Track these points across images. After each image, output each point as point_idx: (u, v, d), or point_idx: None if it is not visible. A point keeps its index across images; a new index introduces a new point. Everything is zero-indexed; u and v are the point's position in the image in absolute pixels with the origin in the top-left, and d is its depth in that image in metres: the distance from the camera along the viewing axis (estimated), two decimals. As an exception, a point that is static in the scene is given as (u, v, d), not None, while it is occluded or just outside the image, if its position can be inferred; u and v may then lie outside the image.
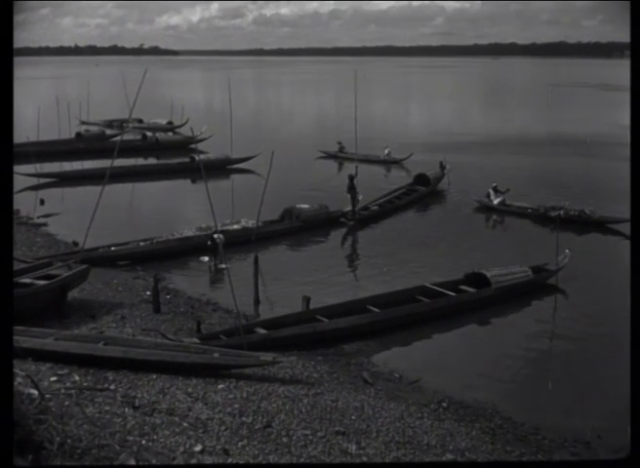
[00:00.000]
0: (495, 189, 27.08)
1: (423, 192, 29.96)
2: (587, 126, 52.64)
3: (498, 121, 62.23)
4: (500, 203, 26.73)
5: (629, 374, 6.58)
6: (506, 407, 12.10)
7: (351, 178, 26.04)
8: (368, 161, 36.53)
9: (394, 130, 53.20)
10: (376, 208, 27.16)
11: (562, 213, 24.30)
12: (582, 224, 24.24)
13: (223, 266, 18.30)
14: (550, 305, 17.73)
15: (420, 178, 30.53)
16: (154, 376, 11.03)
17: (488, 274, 17.19)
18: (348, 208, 25.60)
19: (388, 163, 37.90)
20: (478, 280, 17.32)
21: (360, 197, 25.87)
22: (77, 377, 10.50)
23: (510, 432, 11.12)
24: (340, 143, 39.53)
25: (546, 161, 38.83)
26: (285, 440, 9.37)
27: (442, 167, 31.87)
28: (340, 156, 39.12)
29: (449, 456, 9.66)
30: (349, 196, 25.76)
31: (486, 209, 27.03)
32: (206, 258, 19.90)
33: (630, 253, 6.80)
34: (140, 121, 51.08)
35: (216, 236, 19.37)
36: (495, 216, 26.52)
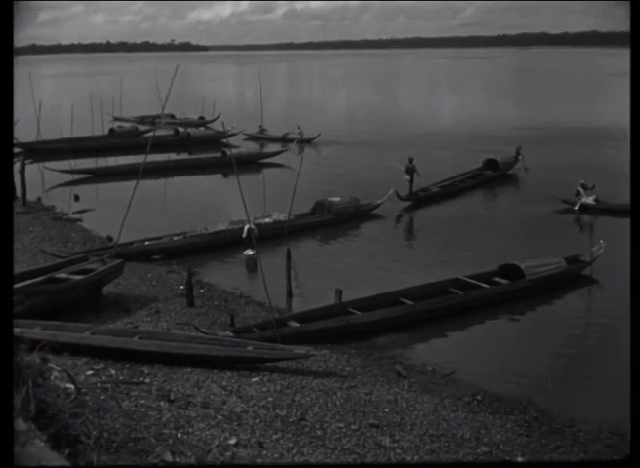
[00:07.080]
0: (583, 186, 25.19)
1: (490, 176, 29.94)
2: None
3: (562, 112, 60.35)
4: (593, 200, 24.85)
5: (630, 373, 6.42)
6: (541, 399, 11.96)
7: (410, 160, 26.89)
8: (285, 140, 41.73)
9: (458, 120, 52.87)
10: (437, 189, 27.46)
11: None
12: None
13: (253, 254, 18.49)
14: (585, 296, 17.53)
15: (490, 163, 30.58)
16: (189, 370, 11.13)
17: (522, 265, 17.04)
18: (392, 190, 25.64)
19: (302, 142, 41.02)
20: (512, 272, 17.18)
21: (418, 179, 26.80)
22: (113, 371, 10.65)
23: (545, 424, 10.99)
24: (260, 126, 44.70)
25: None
26: (319, 433, 9.40)
27: (517, 153, 31.75)
28: (261, 137, 44.27)
29: (483, 449, 9.61)
30: (406, 177, 26.64)
31: (578, 208, 25.02)
32: (250, 252, 19.76)
33: (630, 249, 6.62)
34: (172, 116, 51.29)
35: (247, 227, 19.41)
36: (583, 214, 24.76)
